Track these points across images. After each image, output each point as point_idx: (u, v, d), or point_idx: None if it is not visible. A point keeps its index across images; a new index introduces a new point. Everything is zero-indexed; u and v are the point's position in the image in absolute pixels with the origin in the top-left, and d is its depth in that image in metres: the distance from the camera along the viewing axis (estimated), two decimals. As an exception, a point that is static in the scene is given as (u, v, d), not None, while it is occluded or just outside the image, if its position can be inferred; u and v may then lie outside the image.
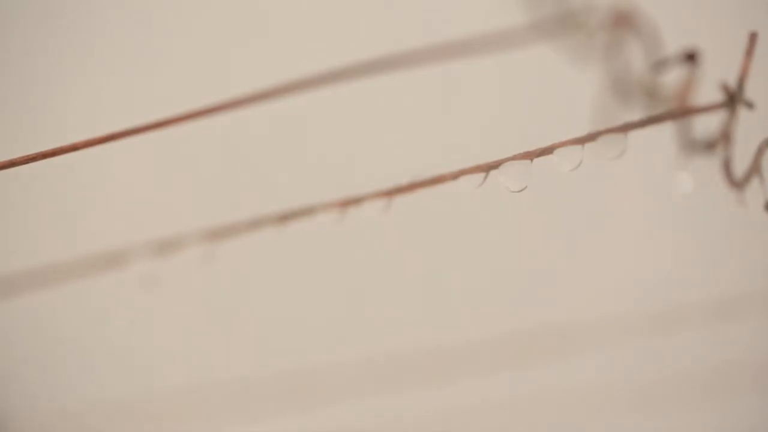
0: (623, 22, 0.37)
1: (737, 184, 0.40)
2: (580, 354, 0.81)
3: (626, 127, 0.40)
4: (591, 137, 0.40)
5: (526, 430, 0.83)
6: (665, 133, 0.41)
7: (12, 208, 0.83)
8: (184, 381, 0.84)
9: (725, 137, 0.39)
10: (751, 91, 0.40)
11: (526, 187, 0.41)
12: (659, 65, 0.38)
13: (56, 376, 0.85)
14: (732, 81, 0.39)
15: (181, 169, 0.84)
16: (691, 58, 0.38)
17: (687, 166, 0.40)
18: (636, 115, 0.40)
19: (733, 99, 0.39)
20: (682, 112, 0.39)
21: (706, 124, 0.40)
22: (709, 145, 0.40)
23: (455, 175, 0.42)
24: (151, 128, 0.43)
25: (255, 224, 0.48)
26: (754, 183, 0.40)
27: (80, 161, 0.80)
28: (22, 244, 0.83)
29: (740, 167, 0.40)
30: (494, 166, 0.41)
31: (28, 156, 0.42)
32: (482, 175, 0.41)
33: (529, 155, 0.41)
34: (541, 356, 0.81)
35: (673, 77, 0.39)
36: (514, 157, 0.41)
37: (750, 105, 0.39)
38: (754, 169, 0.40)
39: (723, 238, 0.81)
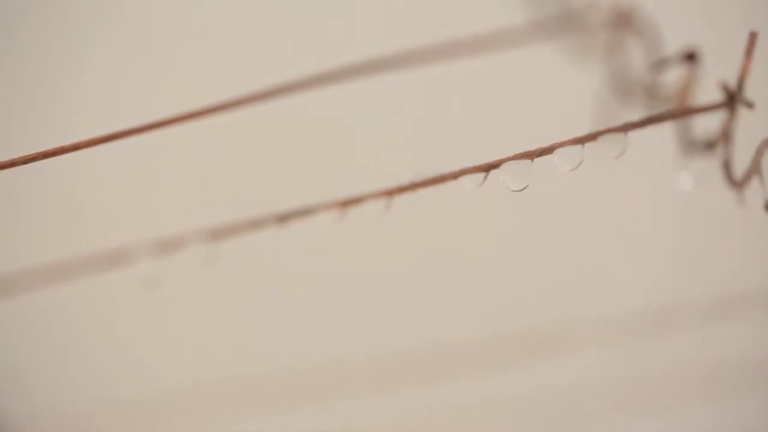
0: (624, 21, 0.37)
1: (737, 184, 0.40)
2: (578, 354, 0.81)
3: (626, 127, 0.40)
4: (591, 137, 0.40)
5: (526, 430, 0.83)
6: (665, 132, 0.41)
7: (13, 207, 0.83)
8: (184, 380, 0.84)
9: (725, 137, 0.39)
10: (751, 91, 0.40)
11: (526, 186, 0.41)
12: (659, 65, 0.38)
13: (56, 376, 0.85)
14: (732, 81, 0.39)
15: (181, 169, 0.84)
16: (691, 57, 0.38)
17: (687, 165, 0.40)
18: (636, 115, 0.40)
19: (733, 99, 0.39)
20: (682, 111, 0.39)
21: (706, 124, 0.40)
22: (709, 145, 0.40)
23: (456, 175, 0.42)
24: (152, 128, 0.43)
25: (255, 224, 0.48)
26: (754, 183, 0.40)
27: (82, 161, 0.81)
28: (23, 244, 0.83)
29: (740, 167, 0.40)
30: (495, 165, 0.41)
31: (28, 156, 0.42)
32: (483, 174, 0.41)
33: (530, 155, 0.41)
34: (540, 356, 0.82)
35: (673, 77, 0.39)
36: (515, 157, 0.41)
37: (750, 105, 0.39)
38: (754, 168, 0.40)
39: (723, 238, 0.81)
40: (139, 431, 0.84)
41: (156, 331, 0.84)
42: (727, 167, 0.40)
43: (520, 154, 0.41)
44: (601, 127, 0.40)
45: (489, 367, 0.82)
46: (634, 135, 0.40)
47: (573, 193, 0.82)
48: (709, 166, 0.40)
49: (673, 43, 0.39)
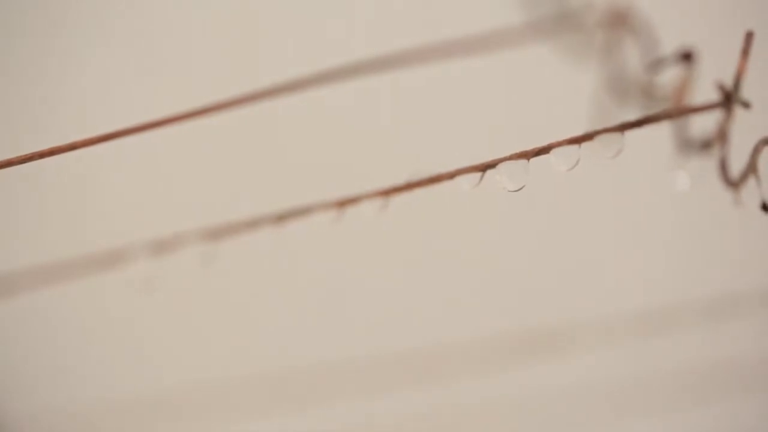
0: (620, 21, 0.37)
1: (734, 184, 0.40)
2: (578, 354, 0.81)
3: (623, 127, 0.40)
4: (588, 137, 0.40)
5: (526, 430, 0.83)
6: (662, 132, 0.41)
7: (12, 207, 0.83)
8: (184, 380, 0.84)
9: (722, 137, 0.39)
10: (747, 91, 0.40)
11: (522, 186, 0.41)
12: (656, 65, 0.38)
13: (56, 375, 0.85)
14: (728, 80, 0.39)
15: (180, 169, 0.84)
16: (687, 57, 0.38)
17: (684, 165, 0.40)
18: (633, 115, 0.40)
19: (729, 98, 0.39)
20: (678, 111, 0.39)
21: (703, 124, 0.40)
22: (706, 145, 0.40)
23: (452, 175, 0.42)
24: (151, 128, 0.43)
25: (253, 224, 0.48)
26: (751, 182, 0.40)
27: (81, 161, 0.81)
28: (21, 244, 0.83)
29: (737, 167, 0.40)
30: (491, 165, 0.41)
31: (25, 156, 0.42)
32: (479, 174, 0.41)
33: (526, 155, 0.41)
34: (540, 356, 0.82)
35: (669, 77, 0.39)
36: (511, 157, 0.41)
37: (746, 104, 0.39)
38: (751, 168, 0.40)
39: (720, 237, 0.81)
40: (139, 431, 0.84)
41: (156, 331, 0.84)
42: (723, 167, 0.40)
43: (516, 153, 0.41)
44: (598, 127, 0.40)
45: (489, 367, 0.82)
46: (631, 135, 0.40)
47: (571, 193, 0.82)
48: (706, 165, 0.40)
49: (670, 43, 0.39)
